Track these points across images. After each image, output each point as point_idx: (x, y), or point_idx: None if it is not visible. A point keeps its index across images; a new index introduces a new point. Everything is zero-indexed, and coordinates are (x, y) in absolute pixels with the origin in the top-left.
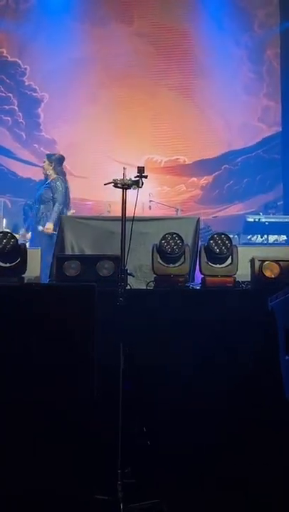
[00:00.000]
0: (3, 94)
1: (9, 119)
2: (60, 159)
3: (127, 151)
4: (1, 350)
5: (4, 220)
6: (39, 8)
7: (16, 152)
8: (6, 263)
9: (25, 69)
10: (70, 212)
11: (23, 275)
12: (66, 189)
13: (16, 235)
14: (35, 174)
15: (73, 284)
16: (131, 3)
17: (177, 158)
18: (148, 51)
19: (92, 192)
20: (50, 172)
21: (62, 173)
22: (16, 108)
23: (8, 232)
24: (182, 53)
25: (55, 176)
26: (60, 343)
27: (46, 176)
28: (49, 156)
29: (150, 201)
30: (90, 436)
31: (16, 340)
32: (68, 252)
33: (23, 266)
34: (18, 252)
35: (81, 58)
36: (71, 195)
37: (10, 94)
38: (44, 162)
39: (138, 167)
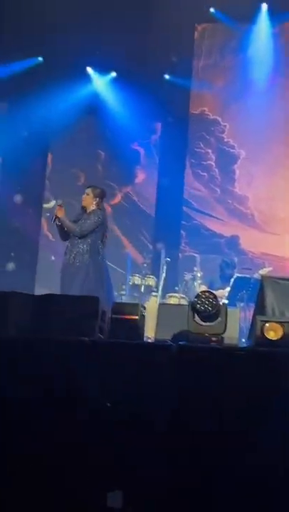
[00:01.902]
0: (202, 150)
1: (206, 174)
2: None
3: None
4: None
5: (199, 274)
6: (244, 66)
7: (209, 207)
8: (206, 322)
9: (225, 126)
10: (266, 270)
11: (222, 335)
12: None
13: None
14: (227, 230)
15: (276, 350)
16: None
17: None
18: None
19: (286, 249)
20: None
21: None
22: (213, 164)
23: (210, 291)
24: None
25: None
26: (256, 411)
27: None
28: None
29: None
30: None
31: (212, 404)
32: (269, 313)
33: (222, 325)
34: (219, 311)
35: (282, 116)
36: (262, 251)
37: (209, 150)
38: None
39: None
